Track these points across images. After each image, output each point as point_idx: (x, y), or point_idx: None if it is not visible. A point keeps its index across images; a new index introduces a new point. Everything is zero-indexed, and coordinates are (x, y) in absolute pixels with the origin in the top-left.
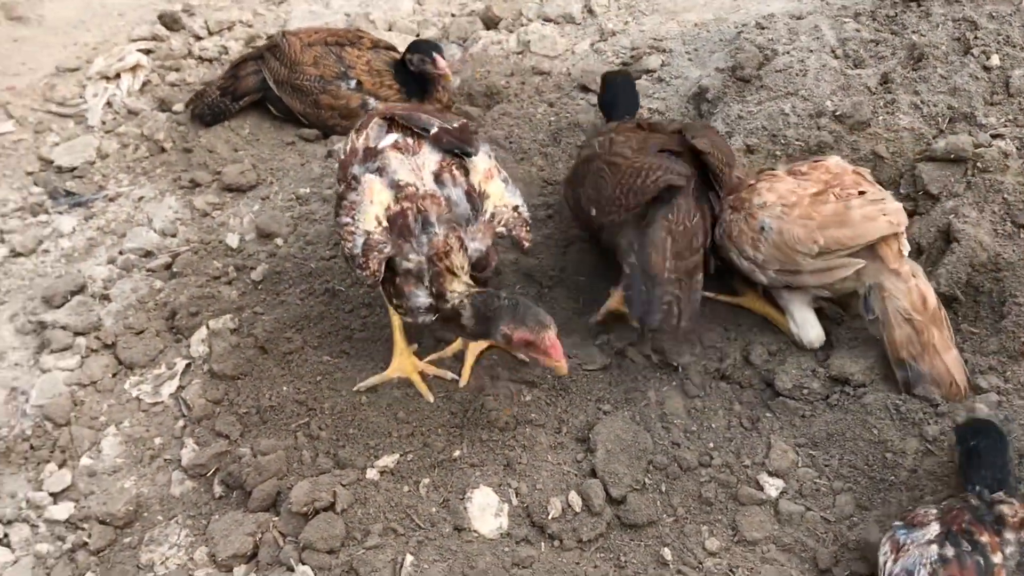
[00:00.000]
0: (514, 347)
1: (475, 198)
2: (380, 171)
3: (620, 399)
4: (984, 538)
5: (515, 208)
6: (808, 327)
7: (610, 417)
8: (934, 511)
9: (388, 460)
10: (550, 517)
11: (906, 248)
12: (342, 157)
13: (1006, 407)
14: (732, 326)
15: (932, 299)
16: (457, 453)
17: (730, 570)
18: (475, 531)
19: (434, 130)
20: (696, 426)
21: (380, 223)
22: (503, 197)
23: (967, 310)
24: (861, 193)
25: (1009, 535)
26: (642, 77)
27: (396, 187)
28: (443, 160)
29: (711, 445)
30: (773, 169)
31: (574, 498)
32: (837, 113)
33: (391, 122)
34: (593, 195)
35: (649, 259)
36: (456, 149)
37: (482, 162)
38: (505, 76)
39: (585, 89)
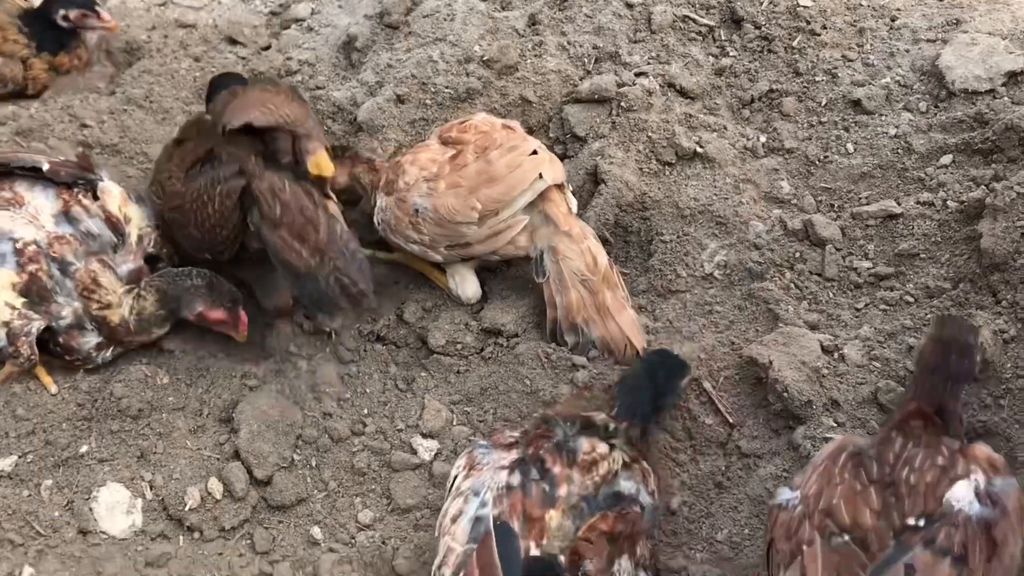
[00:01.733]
0: (205, 323)
1: (117, 224)
2: None
3: (268, 373)
4: (556, 468)
5: (157, 227)
6: (467, 284)
7: (255, 393)
8: (518, 433)
9: (4, 464)
10: (188, 508)
11: (573, 205)
12: None
13: (654, 345)
14: (387, 284)
15: (603, 259)
16: (84, 449)
17: (383, 541)
18: (104, 532)
19: (46, 167)
20: (350, 393)
21: (14, 307)
22: (144, 218)
23: (618, 251)
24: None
25: (575, 474)
26: (291, 27)
27: (17, 254)
28: (67, 194)
29: (365, 412)
30: (425, 142)
31: (214, 485)
32: (485, 58)
33: None
34: (195, 244)
35: (289, 265)
36: (80, 180)
37: (114, 187)
38: (146, 30)
39: (233, 41)
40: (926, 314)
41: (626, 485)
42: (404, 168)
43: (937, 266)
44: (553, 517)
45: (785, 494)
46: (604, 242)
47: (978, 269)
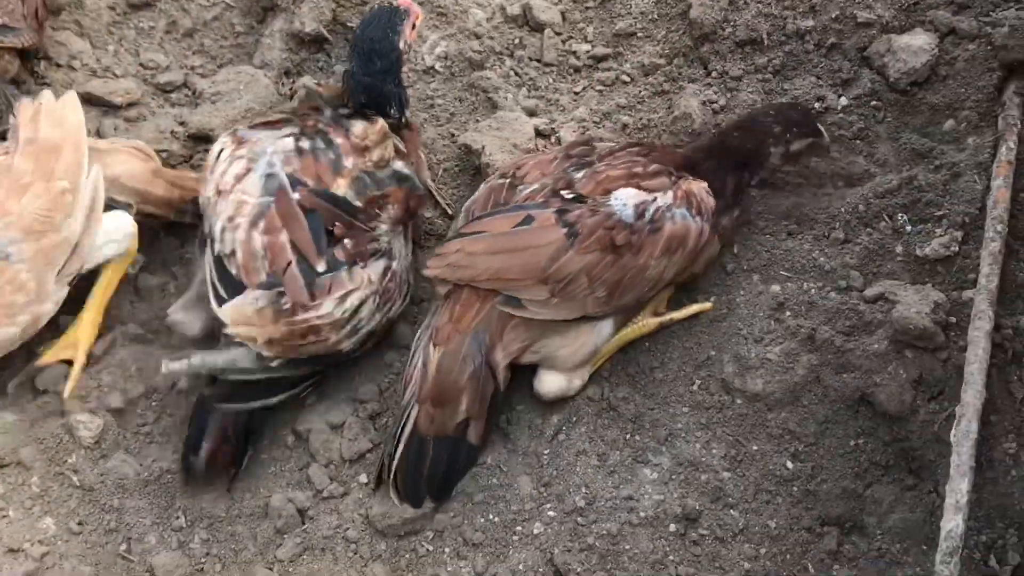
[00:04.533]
0: None
1: None
2: None
3: None
4: (339, 140)
5: None
6: None
7: None
8: (286, 115)
9: None
10: None
11: None
12: None
13: None
14: None
15: None
16: None
17: None
18: None
19: None
20: None
21: None
22: None
23: (339, 50)
24: None
25: (351, 155)
26: None
27: None
28: None
29: None
30: None
31: None
32: None
33: None
34: None
35: None
36: None
37: None
38: None
39: None
40: (640, 91)
41: (401, 164)
42: None
43: (653, 43)
44: (340, 185)
45: None
46: (324, 40)
47: (690, 42)
